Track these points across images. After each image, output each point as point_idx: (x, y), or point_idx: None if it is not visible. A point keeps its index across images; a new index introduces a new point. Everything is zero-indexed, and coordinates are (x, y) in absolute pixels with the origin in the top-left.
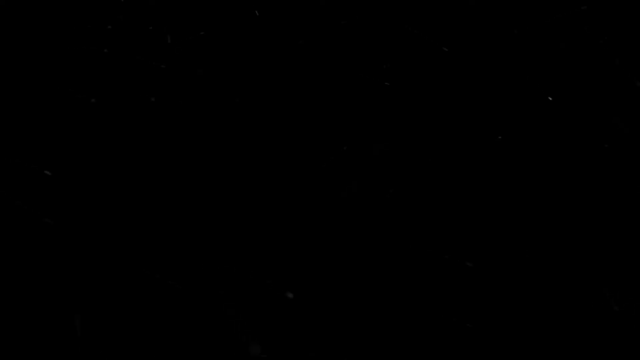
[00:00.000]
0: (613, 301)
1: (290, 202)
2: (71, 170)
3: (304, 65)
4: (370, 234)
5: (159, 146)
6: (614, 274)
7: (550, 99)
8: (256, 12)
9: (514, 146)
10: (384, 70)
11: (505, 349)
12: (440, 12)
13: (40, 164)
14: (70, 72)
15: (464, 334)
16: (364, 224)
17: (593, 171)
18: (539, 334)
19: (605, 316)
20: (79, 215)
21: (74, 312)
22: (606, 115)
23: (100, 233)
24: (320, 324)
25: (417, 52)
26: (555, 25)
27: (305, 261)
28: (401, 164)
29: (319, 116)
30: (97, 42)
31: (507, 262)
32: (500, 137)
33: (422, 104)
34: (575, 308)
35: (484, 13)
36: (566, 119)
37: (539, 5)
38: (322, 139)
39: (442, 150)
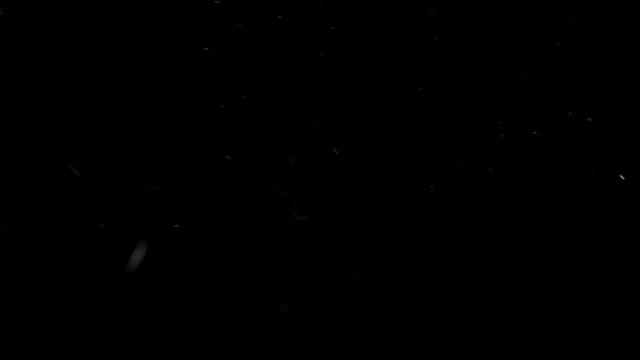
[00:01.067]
0: (613, 301)
1: (290, 202)
2: (71, 170)
3: (303, 66)
4: (370, 234)
5: (159, 146)
6: (613, 274)
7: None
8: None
9: (513, 146)
10: (386, 73)
11: (505, 349)
12: (440, 12)
13: (41, 164)
14: (70, 72)
15: (464, 334)
16: (363, 223)
17: (592, 171)
18: (538, 334)
19: (605, 316)
20: (79, 215)
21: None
22: (605, 114)
23: (100, 233)
24: (320, 324)
25: (417, 52)
26: (555, 25)
27: (305, 261)
28: (401, 164)
29: (318, 116)
30: (97, 42)
31: (507, 262)
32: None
33: (422, 103)
34: (575, 308)
35: (484, 13)
36: (565, 118)
37: (539, 5)
38: (321, 139)
39: (442, 150)
